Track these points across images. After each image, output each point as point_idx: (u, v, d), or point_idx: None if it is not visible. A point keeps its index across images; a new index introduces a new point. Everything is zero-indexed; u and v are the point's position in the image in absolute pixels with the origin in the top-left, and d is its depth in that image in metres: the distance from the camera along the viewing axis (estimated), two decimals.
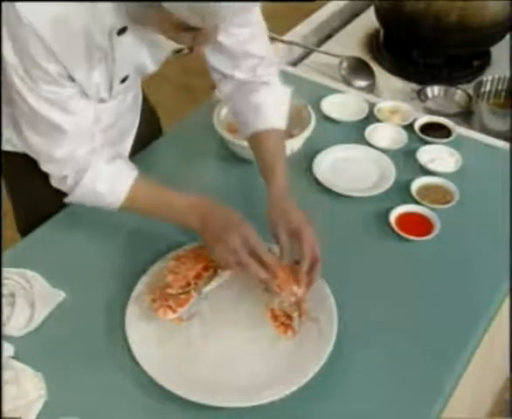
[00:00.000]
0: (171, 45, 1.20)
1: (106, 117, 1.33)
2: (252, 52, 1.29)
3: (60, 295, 1.20)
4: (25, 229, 1.42)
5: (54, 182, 1.24)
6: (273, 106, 1.31)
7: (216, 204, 1.18)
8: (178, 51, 1.29)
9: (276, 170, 1.26)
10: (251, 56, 1.29)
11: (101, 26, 1.08)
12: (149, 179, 1.24)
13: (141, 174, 1.23)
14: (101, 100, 1.23)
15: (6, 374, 1.05)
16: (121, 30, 1.11)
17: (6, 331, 1.14)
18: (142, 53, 1.21)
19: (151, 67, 1.26)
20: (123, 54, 1.15)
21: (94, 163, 1.19)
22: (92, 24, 1.06)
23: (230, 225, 1.13)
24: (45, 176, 1.25)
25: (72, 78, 1.11)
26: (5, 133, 1.33)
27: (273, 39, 1.88)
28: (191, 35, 1.01)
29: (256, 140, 1.31)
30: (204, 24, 0.96)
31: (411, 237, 1.30)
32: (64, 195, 1.25)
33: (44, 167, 1.22)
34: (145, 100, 1.56)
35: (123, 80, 1.21)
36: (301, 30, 1.97)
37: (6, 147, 1.36)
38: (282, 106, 1.34)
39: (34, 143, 1.19)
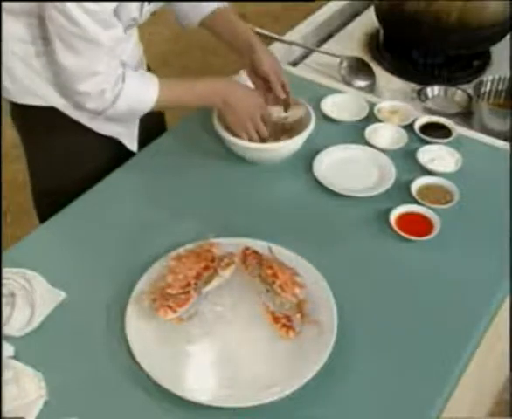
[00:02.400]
0: None
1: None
2: None
3: (60, 295, 1.20)
4: (43, 191, 1.51)
5: (90, 103, 1.31)
6: None
7: (234, 85, 1.46)
8: None
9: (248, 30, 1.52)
10: None
11: None
12: (169, 80, 1.42)
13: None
14: (131, 23, 1.35)
15: (6, 374, 1.05)
16: None
17: (6, 331, 1.14)
18: None
19: None
20: None
21: (126, 72, 1.32)
22: None
23: (250, 101, 1.43)
24: (70, 131, 1.40)
25: None
26: (34, 86, 1.39)
27: (273, 39, 1.88)
28: None
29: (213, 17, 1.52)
30: None
31: (411, 237, 1.30)
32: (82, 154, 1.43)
33: (83, 86, 1.29)
34: None
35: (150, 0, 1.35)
36: (301, 30, 1.97)
37: (31, 101, 1.40)
38: None
39: (73, 65, 1.27)
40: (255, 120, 1.42)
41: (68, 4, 1.19)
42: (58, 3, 1.19)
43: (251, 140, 1.43)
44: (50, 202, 1.43)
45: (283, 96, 1.49)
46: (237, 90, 1.45)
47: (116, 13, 1.28)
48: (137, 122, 1.52)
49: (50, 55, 1.31)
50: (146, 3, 1.34)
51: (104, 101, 1.31)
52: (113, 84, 1.30)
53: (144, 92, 1.35)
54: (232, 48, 1.53)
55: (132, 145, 1.53)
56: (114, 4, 1.25)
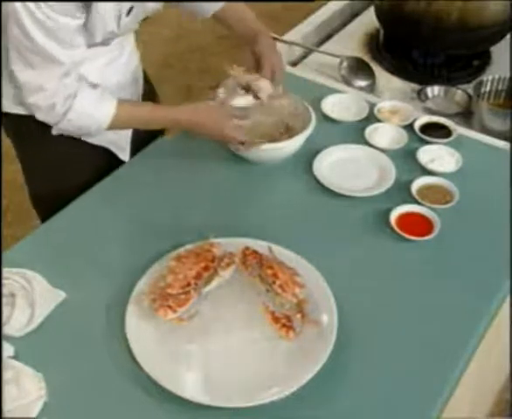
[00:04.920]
0: None
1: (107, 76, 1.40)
2: None
3: (60, 295, 1.20)
4: (39, 196, 1.50)
5: (41, 115, 1.30)
6: None
7: (194, 113, 1.39)
8: None
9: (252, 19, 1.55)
10: None
11: None
12: (131, 101, 1.43)
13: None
14: (109, 36, 1.31)
15: (6, 374, 1.05)
16: None
17: (6, 331, 1.14)
18: None
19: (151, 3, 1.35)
20: None
21: (82, 88, 1.29)
22: None
23: (214, 124, 1.38)
24: (63, 139, 1.38)
25: (83, 9, 1.19)
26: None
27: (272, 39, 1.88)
28: None
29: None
30: None
31: (411, 237, 1.30)
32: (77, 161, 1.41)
33: (32, 99, 1.27)
34: (153, 96, 1.59)
35: (128, 12, 1.29)
36: (301, 30, 1.97)
37: (21, 110, 1.38)
38: None
39: (24, 77, 1.24)
40: (225, 137, 1.40)
41: (24, 20, 1.16)
42: (20, 17, 1.16)
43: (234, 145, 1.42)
44: (47, 206, 1.42)
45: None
46: (197, 118, 1.39)
47: (87, 28, 1.25)
48: (130, 133, 1.51)
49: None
50: (124, 16, 1.30)
51: (55, 115, 1.29)
52: (63, 99, 1.27)
53: (97, 111, 1.32)
54: (239, 37, 1.55)
55: (124, 155, 1.52)
56: (76, 22, 1.21)
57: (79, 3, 1.19)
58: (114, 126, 1.36)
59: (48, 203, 1.43)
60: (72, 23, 1.20)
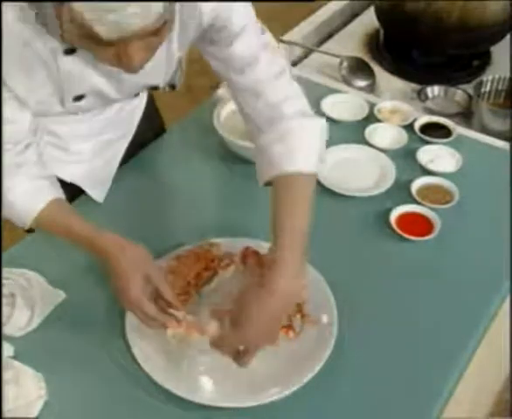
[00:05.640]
0: (138, 79, 1.08)
1: (84, 129, 1.33)
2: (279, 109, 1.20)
3: (60, 295, 1.20)
4: None
5: None
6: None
7: (115, 256, 1.09)
8: (155, 88, 1.27)
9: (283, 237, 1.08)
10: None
11: (44, 42, 1.01)
12: (67, 208, 1.18)
13: (61, 200, 1.17)
14: (65, 113, 1.20)
15: (6, 374, 1.05)
16: (70, 51, 1.05)
17: (6, 331, 1.14)
18: (96, 80, 1.13)
19: (114, 95, 1.20)
20: (71, 74, 1.09)
21: (13, 176, 1.13)
22: (36, 39, 1.00)
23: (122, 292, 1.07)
24: None
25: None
26: None
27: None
28: (111, 53, 0.92)
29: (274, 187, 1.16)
30: (109, 34, 0.86)
31: (411, 237, 1.30)
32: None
33: None
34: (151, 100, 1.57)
35: (77, 99, 1.16)
36: (301, 30, 1.97)
37: None
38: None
39: None
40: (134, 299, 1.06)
41: None
42: None
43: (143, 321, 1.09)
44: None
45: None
46: (115, 264, 1.10)
47: (33, 106, 1.11)
48: (110, 180, 1.43)
49: None
50: (68, 101, 1.14)
51: None
52: None
53: (14, 209, 1.13)
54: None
55: (99, 196, 1.40)
56: (5, 96, 1.06)
57: None
58: (40, 223, 1.14)
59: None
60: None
